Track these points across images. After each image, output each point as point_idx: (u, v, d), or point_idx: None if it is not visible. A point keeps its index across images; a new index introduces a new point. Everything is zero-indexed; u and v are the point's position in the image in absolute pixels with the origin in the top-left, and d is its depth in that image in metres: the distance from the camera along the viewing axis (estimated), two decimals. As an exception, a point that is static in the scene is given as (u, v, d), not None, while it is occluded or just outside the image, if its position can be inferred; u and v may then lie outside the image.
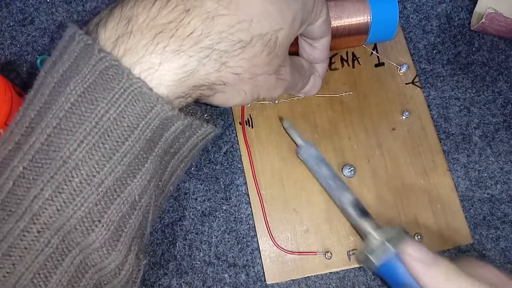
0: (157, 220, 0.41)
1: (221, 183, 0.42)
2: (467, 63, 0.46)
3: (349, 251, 0.40)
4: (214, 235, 0.41)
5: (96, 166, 0.25)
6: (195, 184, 0.42)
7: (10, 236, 0.25)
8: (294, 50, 0.37)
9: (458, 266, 0.31)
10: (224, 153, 0.43)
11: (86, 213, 0.26)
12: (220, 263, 0.40)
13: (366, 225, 0.36)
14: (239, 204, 0.42)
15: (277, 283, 0.39)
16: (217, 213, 0.41)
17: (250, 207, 0.41)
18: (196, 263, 0.40)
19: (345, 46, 0.44)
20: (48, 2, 0.48)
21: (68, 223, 0.26)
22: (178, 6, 0.25)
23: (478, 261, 0.33)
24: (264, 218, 0.40)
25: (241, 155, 0.42)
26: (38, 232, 0.25)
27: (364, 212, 0.36)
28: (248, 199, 0.41)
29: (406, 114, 0.42)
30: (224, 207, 0.42)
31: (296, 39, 0.37)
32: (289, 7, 0.28)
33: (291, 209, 0.41)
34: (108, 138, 0.25)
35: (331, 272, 0.40)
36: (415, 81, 0.44)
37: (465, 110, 0.44)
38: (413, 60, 0.45)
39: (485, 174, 0.42)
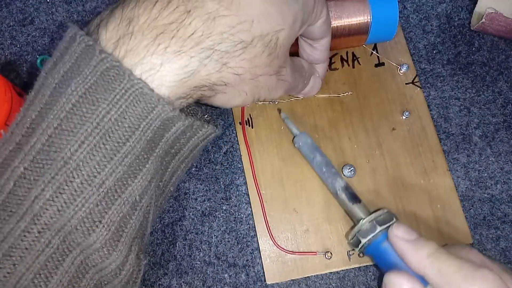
0: (157, 220, 0.41)
1: (221, 183, 0.42)
2: (467, 63, 0.46)
3: (349, 251, 0.40)
4: (214, 235, 0.41)
5: (97, 166, 0.26)
6: (195, 184, 0.42)
7: (11, 236, 0.25)
8: (294, 50, 0.37)
9: (445, 249, 0.32)
10: (224, 153, 0.43)
11: (87, 214, 0.26)
12: (220, 263, 0.40)
13: (357, 210, 0.37)
14: (239, 204, 0.42)
15: (277, 283, 0.39)
16: (217, 213, 0.41)
17: (250, 207, 0.41)
18: (196, 263, 0.40)
19: (345, 46, 0.44)
20: (48, 2, 0.48)
21: (69, 224, 0.26)
22: (179, 7, 0.25)
23: (465, 246, 0.34)
24: (264, 218, 0.40)
25: (241, 155, 0.42)
26: (39, 232, 0.25)
27: (355, 198, 0.38)
28: (248, 199, 0.41)
29: (406, 114, 0.42)
30: (224, 207, 0.42)
31: (296, 39, 0.37)
32: (290, 8, 0.29)
33: (291, 209, 0.41)
34: (109, 138, 0.25)
35: (331, 272, 0.40)
36: (415, 81, 0.44)
37: (465, 110, 0.44)
38: (413, 60, 0.45)
39: (485, 174, 0.42)
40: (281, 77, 0.32)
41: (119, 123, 0.25)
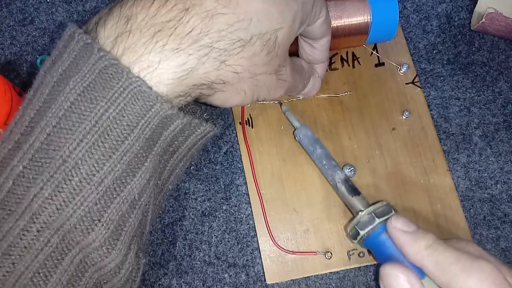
0: (157, 220, 0.41)
1: (221, 183, 0.42)
2: (467, 63, 0.46)
3: (349, 251, 0.40)
4: (214, 235, 0.41)
5: (95, 165, 0.25)
6: (195, 184, 0.42)
7: (9, 235, 0.25)
8: (294, 50, 0.37)
9: (443, 241, 0.32)
10: (224, 153, 0.43)
11: (86, 212, 0.26)
12: (220, 263, 0.40)
13: (356, 202, 0.37)
14: (239, 204, 0.42)
15: (277, 283, 0.39)
16: (217, 213, 0.41)
17: (250, 207, 0.41)
18: (196, 263, 0.40)
19: (345, 46, 0.44)
20: (48, 2, 0.48)
21: (68, 222, 0.26)
22: (177, 4, 0.25)
23: (464, 240, 0.34)
24: (264, 218, 0.40)
25: (241, 155, 0.42)
26: (38, 231, 0.25)
27: (355, 190, 0.38)
28: (248, 199, 0.41)
29: (406, 114, 0.42)
30: (224, 207, 0.42)
31: (296, 39, 0.37)
32: (289, 7, 0.29)
33: (291, 209, 0.41)
34: (107, 137, 0.25)
35: (331, 272, 0.40)
36: (415, 81, 0.44)
37: (465, 110, 0.44)
38: (413, 60, 0.45)
39: (485, 174, 0.42)
40: (280, 76, 0.32)
41: (118, 121, 0.25)
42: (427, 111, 0.43)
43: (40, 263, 0.26)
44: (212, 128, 0.31)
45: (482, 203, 0.41)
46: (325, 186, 0.41)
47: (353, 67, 0.45)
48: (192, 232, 0.41)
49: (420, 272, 0.32)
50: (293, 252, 0.39)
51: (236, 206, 0.42)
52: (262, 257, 0.40)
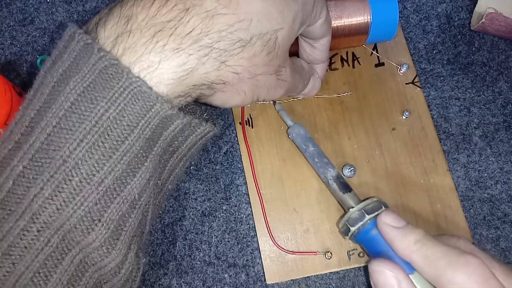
0: (157, 220, 0.41)
1: (221, 183, 0.42)
2: (467, 63, 0.46)
3: (349, 251, 0.40)
4: (214, 235, 0.41)
5: (96, 165, 0.25)
6: (195, 184, 0.42)
7: (10, 235, 0.25)
8: (294, 50, 0.37)
9: (433, 236, 0.32)
10: (224, 153, 0.43)
11: (86, 212, 0.26)
12: (220, 263, 0.40)
13: (348, 198, 0.37)
14: (239, 204, 0.42)
15: (277, 283, 0.39)
16: (217, 213, 0.41)
17: (250, 207, 0.41)
18: (196, 263, 0.40)
19: (345, 46, 0.44)
20: (48, 2, 0.48)
21: (68, 222, 0.26)
22: (178, 4, 0.25)
23: (455, 236, 0.34)
24: (264, 218, 0.40)
25: (241, 155, 0.42)
26: (38, 231, 0.25)
27: (346, 187, 0.38)
28: (248, 199, 0.41)
29: (406, 114, 0.42)
30: (224, 207, 0.42)
31: (296, 39, 0.37)
32: (289, 7, 0.29)
33: (291, 209, 0.41)
34: (107, 137, 0.25)
35: (331, 272, 0.40)
36: (415, 81, 0.44)
37: (465, 110, 0.44)
38: (413, 60, 0.45)
39: (485, 174, 0.42)
40: (280, 77, 0.32)
41: (118, 121, 0.25)
42: (427, 111, 0.43)
43: (40, 263, 0.26)
44: (212, 128, 0.31)
45: (482, 203, 0.41)
46: (325, 186, 0.41)
47: (353, 67, 0.45)
48: (192, 232, 0.41)
49: (410, 267, 0.32)
50: (293, 252, 0.39)
51: (236, 206, 0.42)
52: (262, 257, 0.40)
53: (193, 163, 0.43)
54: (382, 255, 0.34)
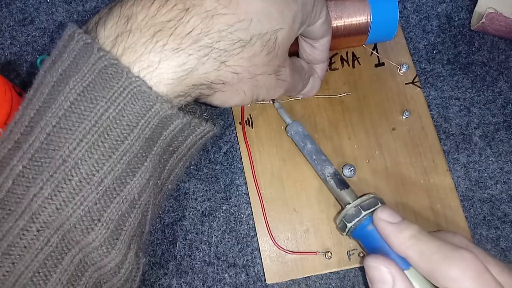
0: (157, 220, 0.41)
1: (221, 183, 0.42)
2: (467, 63, 0.46)
3: (349, 251, 0.39)
4: (214, 235, 0.41)
5: (95, 164, 0.25)
6: (195, 184, 0.42)
7: (9, 235, 0.25)
8: (294, 50, 0.37)
9: (429, 232, 0.32)
10: (224, 153, 0.43)
11: (86, 212, 0.26)
12: (220, 263, 0.40)
13: (345, 195, 0.37)
14: (239, 204, 0.42)
15: (277, 283, 0.39)
16: (217, 213, 0.41)
17: (250, 207, 0.41)
18: (196, 263, 0.40)
19: (345, 46, 0.44)
20: (48, 2, 0.48)
21: (68, 222, 0.26)
22: (178, 4, 0.25)
23: (451, 232, 0.34)
24: (264, 218, 0.40)
25: (241, 155, 0.42)
26: (38, 231, 0.25)
27: (343, 184, 0.38)
28: (248, 199, 0.41)
29: (406, 114, 0.42)
30: (224, 207, 0.42)
31: (296, 39, 0.37)
32: (289, 7, 0.29)
33: (291, 209, 0.41)
34: (107, 136, 0.25)
35: (331, 272, 0.40)
36: (415, 81, 0.44)
37: (465, 110, 0.44)
38: (413, 60, 0.45)
39: (485, 174, 0.42)
40: (280, 77, 0.32)
41: (117, 121, 0.25)
42: (427, 111, 0.43)
43: (40, 262, 0.26)
44: (211, 128, 0.31)
45: (482, 203, 0.41)
46: (324, 184, 0.41)
47: (353, 67, 0.45)
48: (192, 232, 0.41)
49: (405, 263, 0.32)
50: (293, 252, 0.39)
51: (236, 206, 0.42)
52: (262, 257, 0.40)
53: (193, 163, 0.43)
54: (378, 251, 0.34)
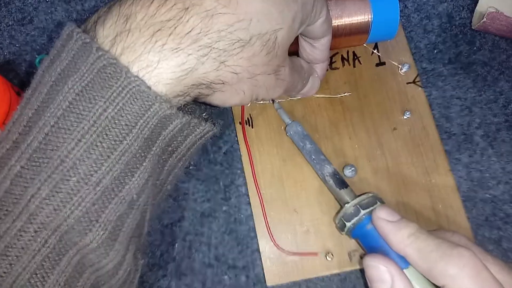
0: (156, 221, 0.41)
1: (221, 183, 0.42)
2: (469, 63, 0.45)
3: (350, 252, 0.39)
4: (214, 236, 0.41)
5: (93, 165, 0.25)
6: (195, 185, 0.42)
7: (7, 235, 0.25)
8: (294, 49, 0.37)
9: (427, 230, 0.32)
10: (224, 153, 0.43)
11: (84, 213, 0.26)
12: (220, 265, 0.40)
13: (344, 194, 0.38)
14: (239, 205, 0.41)
15: (278, 284, 0.39)
16: (216, 214, 0.41)
17: (250, 207, 0.41)
18: (195, 265, 0.40)
19: (346, 46, 0.44)
20: (47, 1, 0.48)
21: (65, 223, 0.25)
22: (177, 4, 0.25)
23: (450, 231, 0.34)
24: (264, 219, 0.40)
25: (241, 155, 0.42)
26: (35, 232, 0.25)
27: (342, 183, 0.38)
28: (248, 199, 0.41)
29: (407, 113, 0.42)
30: (223, 208, 0.41)
31: (296, 38, 0.37)
32: (289, 7, 0.28)
33: (292, 209, 0.40)
34: (106, 136, 0.25)
35: (332, 274, 0.39)
36: (416, 80, 0.44)
37: (467, 110, 0.44)
38: (414, 59, 0.45)
39: (487, 174, 0.42)
40: (279, 76, 0.32)
41: (116, 121, 0.25)
42: (428, 111, 0.43)
43: (37, 264, 0.26)
44: (211, 128, 0.31)
45: (484, 204, 0.41)
46: (324, 184, 0.40)
47: (354, 66, 0.45)
48: (192, 233, 0.41)
49: (404, 262, 0.32)
50: (293, 253, 0.39)
51: (236, 206, 0.41)
52: (262, 259, 0.39)
53: (192, 163, 0.42)
54: (377, 250, 0.34)
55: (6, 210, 0.25)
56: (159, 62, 0.25)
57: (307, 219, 0.40)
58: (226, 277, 0.40)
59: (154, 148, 0.28)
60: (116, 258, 0.28)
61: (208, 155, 0.43)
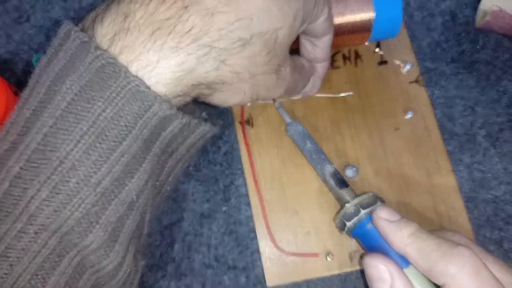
0: (156, 221, 0.41)
1: (221, 184, 0.42)
2: (472, 62, 0.45)
3: (350, 253, 0.39)
4: (214, 237, 0.40)
5: (93, 166, 0.25)
6: (194, 185, 0.42)
7: (7, 237, 0.25)
8: (294, 47, 0.37)
9: (428, 230, 0.33)
10: (224, 153, 0.43)
11: (84, 214, 0.25)
12: (220, 266, 0.40)
13: (344, 194, 0.37)
14: (238, 205, 0.41)
15: (278, 285, 0.39)
16: (216, 215, 0.41)
17: (250, 208, 0.41)
18: (195, 266, 0.40)
19: (347, 44, 0.44)
20: (44, 0, 0.47)
21: (66, 224, 0.25)
22: (177, 2, 0.25)
23: (451, 230, 0.35)
24: (265, 220, 0.40)
25: (240, 156, 0.42)
26: (35, 233, 0.25)
27: (343, 183, 0.38)
28: (248, 200, 0.41)
29: (410, 113, 0.42)
30: (223, 209, 0.41)
31: (297, 37, 0.37)
32: (290, 5, 0.28)
33: (292, 210, 0.40)
34: (105, 137, 0.25)
35: (332, 275, 0.39)
36: (418, 79, 0.43)
37: (469, 109, 0.43)
38: (416, 58, 0.45)
39: (489, 175, 0.42)
40: (280, 76, 0.32)
41: (115, 122, 0.25)
42: (430, 111, 0.43)
43: (38, 265, 0.26)
44: (211, 129, 0.31)
45: (486, 204, 0.41)
46: (325, 184, 0.40)
47: (356, 65, 0.44)
48: (191, 234, 0.40)
49: (404, 262, 0.32)
50: (293, 254, 0.39)
51: (235, 207, 0.41)
52: (262, 259, 0.39)
53: (192, 163, 0.42)
54: (377, 249, 0.34)
55: (6, 211, 0.25)
56: (159, 61, 0.25)
57: (307, 220, 0.40)
58: (226, 277, 0.39)
59: (153, 149, 0.28)
60: (116, 259, 0.27)
61: (208, 155, 0.42)
